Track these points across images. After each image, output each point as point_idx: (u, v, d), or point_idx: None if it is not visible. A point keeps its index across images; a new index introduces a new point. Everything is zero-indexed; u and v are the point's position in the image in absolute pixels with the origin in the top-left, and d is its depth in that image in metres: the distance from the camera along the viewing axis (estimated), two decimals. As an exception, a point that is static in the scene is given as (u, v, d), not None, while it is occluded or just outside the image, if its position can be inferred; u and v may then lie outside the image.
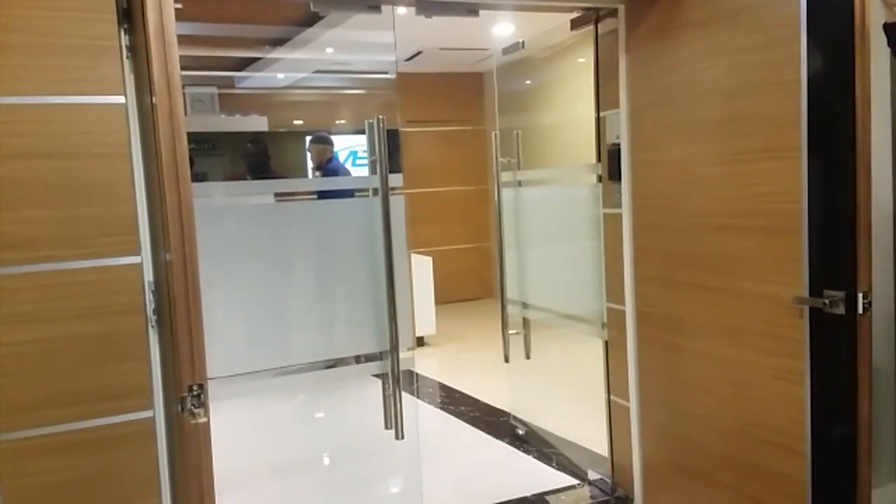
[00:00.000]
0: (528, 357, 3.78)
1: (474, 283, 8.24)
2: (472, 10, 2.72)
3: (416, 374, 5.28)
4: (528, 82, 4.15)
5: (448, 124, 8.11)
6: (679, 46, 2.48)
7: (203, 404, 1.68)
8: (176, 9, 1.67)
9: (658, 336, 2.73)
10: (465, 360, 5.84)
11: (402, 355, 2.56)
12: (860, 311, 1.96)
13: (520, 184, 3.75)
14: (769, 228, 2.18)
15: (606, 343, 3.10)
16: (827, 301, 2.00)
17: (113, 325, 1.85)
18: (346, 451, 3.80)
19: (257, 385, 2.43)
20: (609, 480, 3.14)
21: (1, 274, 1.75)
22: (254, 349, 2.43)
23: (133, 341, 1.88)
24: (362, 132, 2.56)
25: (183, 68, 1.67)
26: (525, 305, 3.77)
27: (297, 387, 3.18)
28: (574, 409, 3.66)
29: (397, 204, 2.55)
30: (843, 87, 1.93)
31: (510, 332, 3.73)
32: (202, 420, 1.69)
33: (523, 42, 3.81)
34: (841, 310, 1.98)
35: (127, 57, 1.87)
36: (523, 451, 3.71)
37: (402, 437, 2.58)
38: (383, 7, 2.57)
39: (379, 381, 2.62)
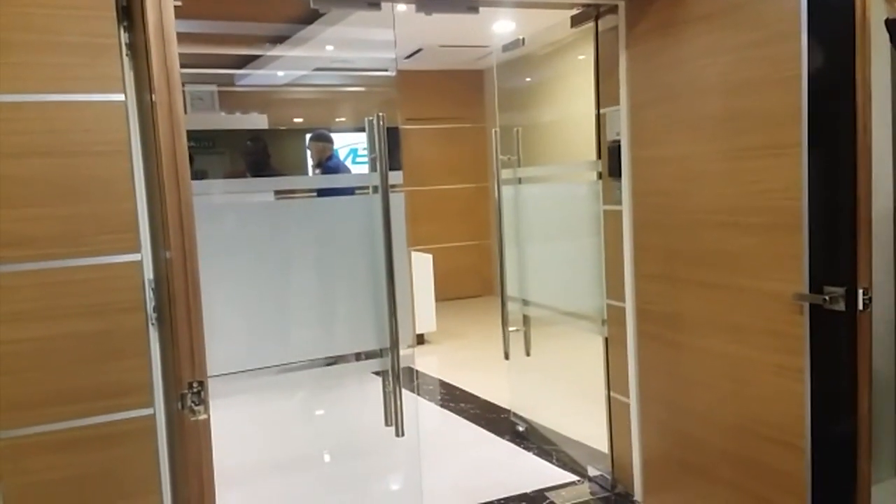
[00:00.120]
0: (528, 354, 3.78)
1: (474, 280, 8.24)
2: (473, 7, 2.72)
3: (417, 371, 5.28)
4: (528, 79, 4.14)
5: (448, 122, 8.10)
6: (679, 43, 2.48)
7: (203, 401, 1.68)
8: (175, 6, 1.67)
9: (658, 333, 2.73)
10: (465, 357, 5.84)
11: (402, 352, 2.56)
12: (860, 307, 1.96)
13: (520, 181, 3.74)
14: (770, 225, 2.18)
15: (606, 340, 3.10)
16: (827, 297, 2.01)
17: (113, 323, 1.86)
18: (347, 448, 3.80)
19: (257, 382, 2.43)
20: (609, 477, 3.14)
21: (1, 272, 1.75)
22: (254, 346, 2.43)
23: (133, 339, 1.88)
24: (362, 130, 2.56)
25: (183, 66, 1.67)
26: (525, 302, 3.77)
27: (298, 384, 3.18)
28: (574, 406, 3.66)
29: (397, 201, 2.55)
30: (843, 84, 1.93)
31: (510, 329, 3.73)
32: (202, 417, 1.69)
33: (523, 39, 3.80)
34: (841, 306, 1.99)
35: (126, 55, 1.87)
36: (523, 448, 3.71)
37: (403, 434, 2.58)
38: (383, 4, 2.56)
39: (379, 379, 2.62)
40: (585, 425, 3.41)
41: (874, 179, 1.95)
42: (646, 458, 2.91)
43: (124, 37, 1.86)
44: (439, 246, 7.53)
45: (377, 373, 2.62)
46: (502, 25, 5.65)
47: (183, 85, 1.67)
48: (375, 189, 2.55)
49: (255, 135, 5.88)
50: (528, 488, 3.19)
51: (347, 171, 5.95)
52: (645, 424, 2.89)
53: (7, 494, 1.78)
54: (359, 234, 2.56)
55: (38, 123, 1.77)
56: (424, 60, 7.22)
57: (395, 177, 2.55)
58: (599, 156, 3.01)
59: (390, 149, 2.53)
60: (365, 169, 2.61)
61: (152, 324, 1.90)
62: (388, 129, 2.52)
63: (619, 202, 2.88)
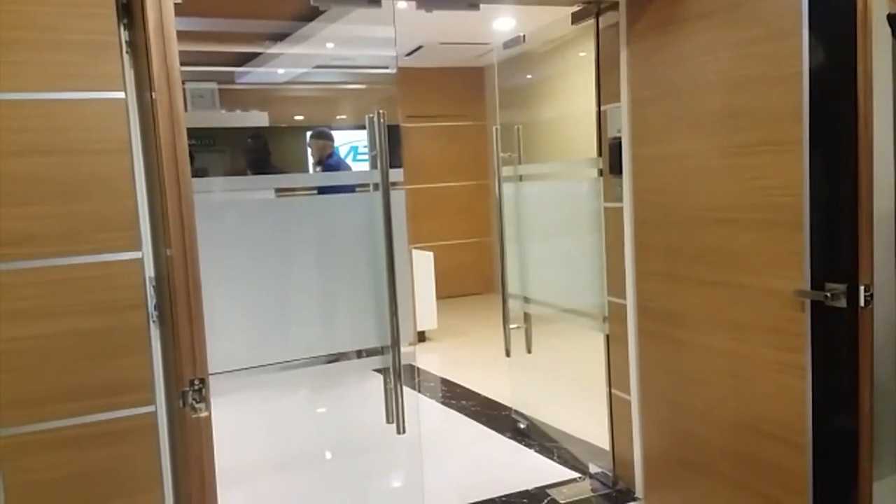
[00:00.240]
0: (529, 351, 3.78)
1: (475, 277, 8.24)
2: (473, 5, 2.72)
3: (418, 368, 5.28)
4: (528, 77, 4.14)
5: (449, 119, 8.10)
6: (680, 40, 2.48)
7: (204, 399, 1.69)
8: (175, 4, 1.67)
9: (659, 330, 2.73)
10: (466, 354, 5.84)
11: (403, 350, 2.56)
12: (862, 304, 1.96)
13: (521, 178, 3.74)
14: (771, 222, 2.18)
15: (607, 337, 3.10)
16: (828, 294, 2.00)
17: (114, 321, 1.86)
18: (348, 446, 3.80)
19: (258, 380, 2.43)
20: (610, 474, 3.14)
21: (2, 270, 1.76)
22: (255, 344, 2.43)
23: (134, 336, 1.88)
24: (363, 127, 2.56)
25: (183, 64, 1.67)
26: (526, 300, 3.77)
27: (299, 382, 3.18)
28: (575, 403, 3.67)
29: (398, 199, 2.55)
30: (844, 79, 1.93)
31: (511, 326, 3.73)
32: (203, 415, 1.69)
33: (524, 36, 3.80)
34: (842, 303, 1.98)
35: (127, 52, 1.87)
36: (525, 445, 3.72)
37: (404, 432, 2.58)
38: (383, 2, 2.56)
39: (380, 376, 2.62)
40: (586, 422, 3.41)
41: (876, 175, 1.95)
42: (647, 454, 2.91)
43: (124, 34, 1.86)
44: (440, 243, 7.53)
45: (378, 370, 2.62)
46: (503, 23, 5.65)
47: (183, 83, 1.67)
48: (376, 186, 2.54)
49: (255, 132, 5.89)
50: (530, 485, 3.19)
51: (348, 168, 5.94)
52: (646, 421, 2.89)
53: (9, 492, 1.78)
54: (360, 232, 2.56)
55: (39, 121, 1.77)
56: (425, 58, 7.21)
57: (396, 174, 2.55)
58: (600, 153, 3.01)
59: (391, 146, 2.53)
60: (366, 166, 2.61)
61: (153, 321, 1.90)
62: (388, 126, 2.51)
63: (620, 199, 2.88)
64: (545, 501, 3.06)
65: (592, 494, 3.09)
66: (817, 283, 2.04)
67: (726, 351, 2.39)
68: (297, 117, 6.68)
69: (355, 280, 2.56)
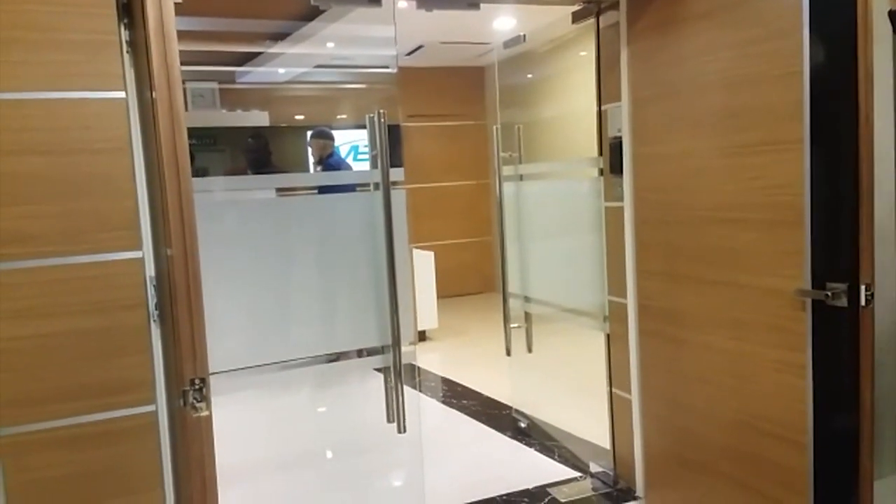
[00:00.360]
0: (529, 351, 3.79)
1: (476, 277, 8.24)
2: (473, 4, 2.72)
3: (418, 367, 5.28)
4: (529, 76, 4.14)
5: (449, 118, 8.10)
6: (680, 39, 2.48)
7: (205, 398, 1.69)
8: (176, 3, 1.67)
9: (660, 329, 2.73)
10: (466, 353, 5.84)
11: (403, 349, 2.56)
12: (863, 303, 1.96)
13: (521, 178, 3.74)
14: (771, 221, 2.17)
15: (608, 336, 3.10)
16: (829, 293, 2.00)
17: (115, 320, 1.86)
18: (349, 445, 3.80)
19: (259, 379, 2.43)
20: (611, 473, 3.14)
21: (2, 269, 1.76)
22: (256, 343, 2.44)
23: (135, 336, 1.88)
24: (363, 127, 2.56)
25: (183, 63, 1.67)
26: (527, 299, 3.77)
27: (299, 381, 3.19)
28: (576, 402, 3.67)
29: (398, 198, 2.55)
30: (845, 78, 1.93)
31: (512, 325, 3.73)
32: (204, 414, 1.69)
33: (524, 36, 3.80)
34: (843, 302, 1.98)
35: (127, 52, 1.87)
36: (525, 444, 3.72)
37: (405, 431, 2.58)
38: (384, 1, 2.56)
39: (381, 375, 2.62)
40: (587, 421, 3.41)
41: (876, 174, 1.95)
42: (647, 454, 2.91)
43: (125, 34, 1.86)
44: (441, 243, 7.53)
45: (379, 369, 2.63)
46: (503, 22, 5.65)
47: (183, 82, 1.67)
48: (377, 186, 2.54)
49: (256, 132, 5.89)
50: (530, 484, 3.19)
51: (349, 168, 5.94)
52: (647, 420, 2.89)
53: (10, 491, 1.78)
54: (360, 231, 2.56)
55: (39, 121, 1.77)
56: (425, 57, 7.21)
57: (397, 174, 2.55)
58: (601, 152, 3.01)
59: (391, 146, 2.53)
60: (366, 166, 2.61)
61: (154, 321, 1.90)
62: (389, 126, 2.51)
63: (621, 199, 2.88)
64: (546, 500, 3.06)
65: (593, 493, 3.09)
66: (818, 283, 2.04)
67: (727, 350, 2.39)
68: (297, 117, 6.68)
69: (356, 279, 2.56)
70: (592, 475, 3.24)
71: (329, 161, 5.01)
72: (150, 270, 1.91)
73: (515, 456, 3.61)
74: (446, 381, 5.05)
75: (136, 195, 1.88)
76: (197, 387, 1.68)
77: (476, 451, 3.74)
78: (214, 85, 5.82)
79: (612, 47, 2.85)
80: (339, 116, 6.81)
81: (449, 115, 8.07)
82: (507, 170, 3.74)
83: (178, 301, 1.68)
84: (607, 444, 3.16)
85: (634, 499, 2.98)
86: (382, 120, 2.50)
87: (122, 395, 1.87)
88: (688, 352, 2.58)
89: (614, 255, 2.98)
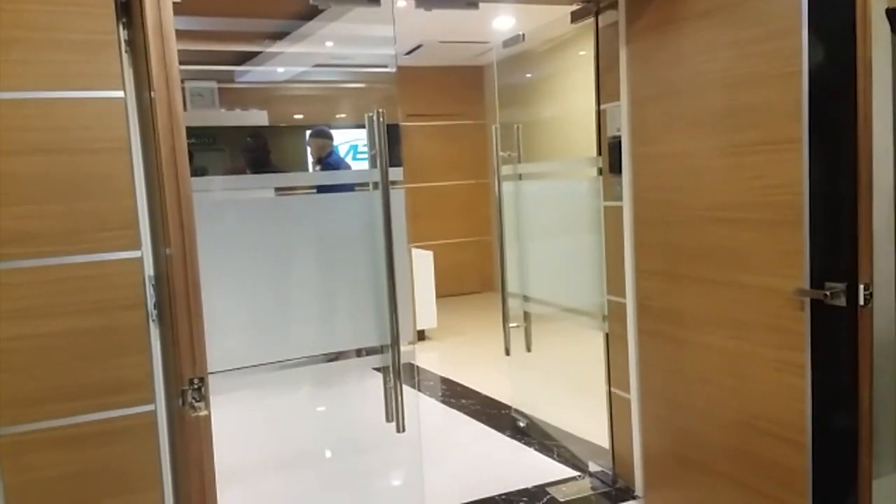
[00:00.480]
0: (528, 350, 3.79)
1: (475, 276, 8.24)
2: (472, 3, 2.72)
3: (417, 367, 5.28)
4: (528, 75, 4.14)
5: (448, 118, 8.09)
6: (680, 39, 2.48)
7: (204, 398, 1.69)
8: (174, 3, 1.67)
9: (659, 329, 2.73)
10: (466, 353, 5.84)
11: (402, 349, 2.56)
12: (861, 302, 1.96)
13: (520, 177, 3.74)
14: (770, 221, 2.18)
15: (607, 336, 3.10)
16: (828, 293, 2.00)
17: (114, 320, 1.86)
18: (348, 445, 3.80)
19: (258, 379, 2.43)
20: (610, 472, 3.14)
21: (1, 269, 1.75)
22: (255, 343, 2.43)
23: (134, 335, 1.88)
24: (362, 126, 2.56)
25: (182, 63, 1.67)
26: (526, 299, 3.77)
27: (298, 380, 3.18)
28: (575, 402, 3.67)
29: (398, 198, 2.55)
30: (844, 78, 1.93)
31: (511, 325, 3.73)
32: (203, 413, 1.69)
33: (524, 35, 3.80)
34: (842, 301, 1.98)
35: (126, 51, 1.87)
36: (524, 444, 3.72)
37: (404, 430, 2.58)
38: (383, 0, 2.56)
39: (380, 375, 2.62)
40: (586, 421, 3.41)
41: (875, 173, 1.95)
42: (646, 453, 2.91)
43: (123, 34, 1.86)
44: (440, 242, 7.53)
45: (378, 369, 2.63)
46: (502, 21, 5.64)
47: (182, 81, 1.67)
48: (375, 185, 2.54)
49: (254, 131, 5.88)
50: (529, 484, 3.19)
51: (347, 167, 5.93)
52: (646, 420, 2.89)
53: (9, 491, 1.78)
54: (359, 231, 2.56)
55: (38, 120, 1.77)
56: (424, 57, 7.21)
57: (396, 173, 2.55)
58: (600, 152, 3.01)
59: (390, 145, 2.53)
60: (365, 165, 2.61)
61: (153, 320, 1.90)
62: (388, 125, 2.51)
63: (620, 198, 2.88)
64: (545, 500, 3.06)
65: (592, 493, 3.09)
66: (817, 282, 2.04)
67: (726, 349, 2.39)
68: (296, 116, 6.68)
69: (355, 279, 2.56)
70: (591, 475, 3.25)
71: (328, 160, 5.01)
72: (149, 270, 1.91)
73: (514, 455, 3.61)
74: (445, 381, 5.05)
75: (135, 195, 1.88)
76: (196, 386, 1.68)
77: (475, 450, 3.74)
78: (213, 84, 5.82)
79: (611, 47, 2.85)
80: (338, 116, 6.81)
81: (448, 114, 8.07)
82: (506, 169, 3.74)
83: (176, 300, 1.68)
84: (606, 444, 3.16)
85: (633, 498, 2.99)
86: (381, 119, 2.49)
87: (120, 395, 1.87)
88: (687, 351, 2.58)
89: (613, 255, 2.98)
